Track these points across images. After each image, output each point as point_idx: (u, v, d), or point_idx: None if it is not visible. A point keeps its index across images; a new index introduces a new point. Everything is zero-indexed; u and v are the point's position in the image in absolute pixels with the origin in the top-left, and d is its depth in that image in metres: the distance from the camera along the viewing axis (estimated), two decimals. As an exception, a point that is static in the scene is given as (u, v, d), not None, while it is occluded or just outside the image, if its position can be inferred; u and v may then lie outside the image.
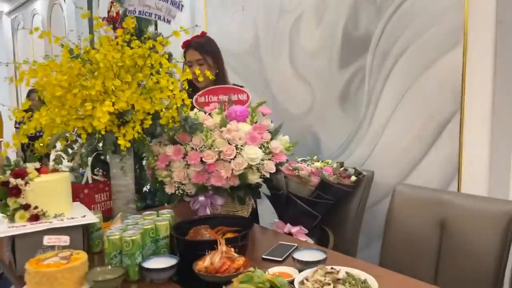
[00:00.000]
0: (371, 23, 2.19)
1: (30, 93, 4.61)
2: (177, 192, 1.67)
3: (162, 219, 1.42)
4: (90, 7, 5.07)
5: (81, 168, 1.78)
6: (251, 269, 1.16)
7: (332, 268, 1.22)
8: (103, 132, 1.42)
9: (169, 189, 1.68)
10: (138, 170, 1.96)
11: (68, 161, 1.68)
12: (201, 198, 1.69)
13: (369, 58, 2.21)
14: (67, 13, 5.56)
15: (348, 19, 2.31)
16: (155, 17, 1.70)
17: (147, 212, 1.50)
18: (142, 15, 1.69)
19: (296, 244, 1.51)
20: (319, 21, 2.45)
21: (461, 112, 1.86)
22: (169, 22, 1.71)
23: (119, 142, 1.45)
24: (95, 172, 1.86)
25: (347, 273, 1.19)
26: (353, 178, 2.00)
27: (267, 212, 2.27)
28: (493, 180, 1.79)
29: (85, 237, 1.42)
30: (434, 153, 1.96)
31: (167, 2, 1.69)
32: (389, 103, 2.14)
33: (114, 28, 2.91)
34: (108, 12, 2.97)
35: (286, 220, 2.02)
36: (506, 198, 1.72)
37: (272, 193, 2.03)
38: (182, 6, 1.71)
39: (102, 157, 1.86)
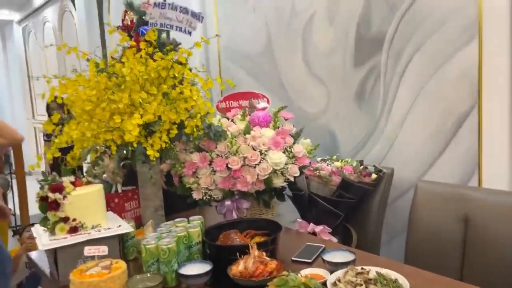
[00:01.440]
0: (384, 21, 2.20)
1: (48, 107, 4.60)
2: (204, 197, 1.72)
3: (194, 226, 1.47)
4: (100, 14, 5.13)
5: (104, 175, 1.84)
6: (285, 272, 1.21)
7: (362, 268, 1.26)
8: (134, 145, 1.47)
9: (196, 195, 1.74)
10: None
11: (95, 173, 1.74)
12: (228, 203, 1.74)
13: (384, 56, 2.24)
14: (78, 21, 5.63)
15: (361, 18, 2.33)
16: (176, 29, 1.74)
17: (178, 219, 1.55)
18: (164, 27, 1.73)
19: (323, 245, 1.55)
20: (332, 20, 2.48)
21: (479, 106, 1.88)
22: (190, 33, 1.76)
23: (148, 152, 1.50)
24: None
25: (377, 273, 1.23)
26: (374, 176, 2.03)
27: (286, 211, 2.32)
28: (514, 173, 1.81)
29: (120, 245, 1.48)
30: (454, 148, 1.98)
31: (188, 14, 1.73)
32: (405, 100, 2.16)
33: (130, 36, 2.97)
34: (123, 20, 3.00)
35: (309, 219, 2.06)
36: (528, 191, 1.74)
37: (294, 193, 2.07)
38: (203, 17, 1.75)
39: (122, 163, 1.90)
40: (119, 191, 1.77)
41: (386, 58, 2.22)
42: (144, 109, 1.51)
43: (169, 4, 1.74)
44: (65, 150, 1.64)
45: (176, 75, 1.60)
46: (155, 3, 1.73)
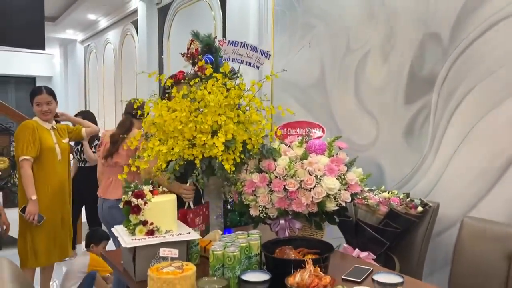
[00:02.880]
0: (437, 62, 2.34)
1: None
2: (261, 215, 1.88)
3: (254, 239, 1.62)
4: (160, 40, 5.52)
5: None
6: (339, 286, 1.33)
7: (410, 290, 1.37)
8: (219, 159, 1.68)
9: (253, 212, 1.90)
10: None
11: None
12: (282, 221, 1.89)
13: (434, 96, 2.36)
14: (138, 45, 6.06)
15: (414, 58, 2.47)
16: (246, 64, 1.97)
17: (239, 232, 1.71)
18: (235, 62, 1.96)
19: (371, 268, 1.67)
20: (385, 59, 2.63)
21: (527, 150, 1.96)
22: (258, 68, 1.97)
23: (225, 166, 1.70)
24: None
25: (424, 296, 1.34)
26: (420, 208, 2.13)
27: (328, 237, 2.43)
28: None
29: (187, 250, 1.65)
30: (501, 187, 2.06)
31: (257, 52, 1.96)
32: (454, 139, 2.26)
33: (193, 64, 3.24)
34: (188, 48, 3.29)
35: (354, 245, 2.17)
36: None
37: (340, 219, 2.19)
38: (270, 55, 1.96)
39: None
40: (192, 207, 1.96)
41: (437, 98, 2.34)
42: (225, 130, 1.71)
43: (241, 42, 1.97)
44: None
45: (248, 102, 1.81)
46: (229, 41, 1.97)
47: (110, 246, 3.37)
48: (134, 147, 1.81)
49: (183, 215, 1.82)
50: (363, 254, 2.10)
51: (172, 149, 1.72)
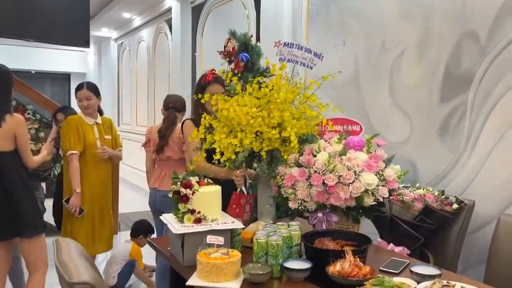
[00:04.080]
0: (474, 62, 2.35)
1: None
2: (299, 207, 1.95)
3: (295, 229, 1.71)
4: (194, 38, 5.66)
5: None
6: (380, 275, 1.40)
7: (448, 282, 1.42)
8: (295, 151, 1.88)
9: (292, 204, 1.97)
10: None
11: None
12: (319, 215, 1.96)
13: (471, 94, 2.38)
14: (172, 43, 6.21)
15: (450, 57, 2.49)
16: (300, 64, 2.09)
17: (279, 223, 1.80)
18: (290, 62, 2.07)
19: (408, 261, 1.72)
20: (421, 58, 2.66)
21: None
22: (311, 68, 2.07)
23: (284, 157, 1.89)
24: None
25: (462, 287, 1.38)
26: (455, 206, 2.16)
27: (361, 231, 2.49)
28: None
29: (231, 239, 1.75)
30: (538, 187, 2.07)
31: (311, 53, 2.06)
32: (491, 137, 2.28)
33: (230, 62, 3.35)
34: (225, 47, 3.40)
35: (388, 240, 2.22)
36: None
37: (375, 215, 2.24)
38: (322, 57, 2.05)
39: None
40: (245, 192, 2.10)
41: (474, 96, 2.36)
42: (292, 125, 1.86)
43: (296, 44, 2.09)
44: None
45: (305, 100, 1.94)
46: (285, 43, 2.08)
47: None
48: (198, 140, 1.97)
49: (238, 197, 1.95)
50: (398, 249, 2.14)
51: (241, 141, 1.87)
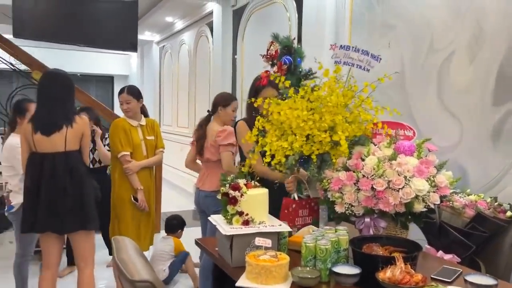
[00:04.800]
0: (531, 64, 2.25)
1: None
2: (346, 211, 1.94)
3: (343, 234, 1.70)
4: (234, 41, 5.72)
5: None
6: (433, 283, 1.37)
7: (505, 293, 1.37)
8: (345, 154, 1.87)
9: (339, 208, 1.96)
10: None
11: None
12: (367, 220, 1.93)
13: (527, 98, 2.27)
14: (213, 46, 6.31)
15: (504, 58, 2.39)
16: (356, 67, 2.06)
17: (326, 227, 1.79)
18: (346, 65, 2.05)
19: (461, 270, 1.67)
20: (473, 59, 2.57)
21: None
22: (368, 70, 2.04)
23: (333, 161, 1.89)
24: None
25: (521, 299, 1.33)
26: (509, 213, 2.07)
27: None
28: None
29: (278, 242, 1.76)
30: None
31: (368, 55, 2.04)
32: (548, 143, 2.17)
33: (272, 65, 3.36)
34: (267, 50, 3.42)
35: (437, 247, 2.16)
36: None
37: (424, 221, 2.19)
38: (380, 59, 2.02)
39: None
40: (296, 198, 2.08)
41: (529, 100, 2.26)
42: (343, 128, 1.85)
43: (352, 47, 2.07)
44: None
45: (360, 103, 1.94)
46: (341, 46, 2.08)
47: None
48: (251, 142, 1.99)
49: (287, 203, 1.95)
50: (447, 256, 2.08)
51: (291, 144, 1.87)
